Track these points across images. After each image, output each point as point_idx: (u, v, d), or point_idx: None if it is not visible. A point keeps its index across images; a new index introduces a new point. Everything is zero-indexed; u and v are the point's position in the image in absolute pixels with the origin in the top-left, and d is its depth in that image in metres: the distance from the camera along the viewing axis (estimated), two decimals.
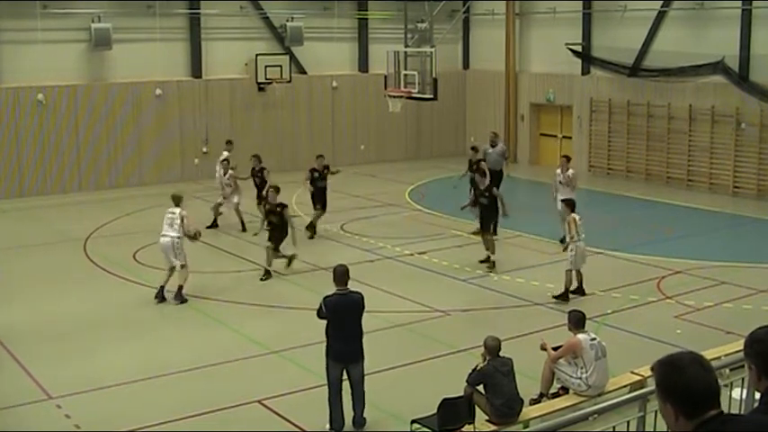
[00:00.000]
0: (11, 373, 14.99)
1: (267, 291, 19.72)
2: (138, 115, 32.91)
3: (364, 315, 12.75)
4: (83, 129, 31.87)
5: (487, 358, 12.05)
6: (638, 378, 13.05)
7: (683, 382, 4.41)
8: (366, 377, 12.83)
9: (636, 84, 33.22)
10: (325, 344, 12.66)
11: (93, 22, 31.38)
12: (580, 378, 12.62)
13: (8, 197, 29.71)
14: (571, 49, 34.70)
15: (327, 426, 12.64)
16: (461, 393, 12.03)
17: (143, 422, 12.85)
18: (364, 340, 12.72)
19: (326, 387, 12.64)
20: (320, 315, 12.61)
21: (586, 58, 35.05)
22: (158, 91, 33.16)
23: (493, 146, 27.10)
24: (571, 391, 12.87)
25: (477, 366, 12.14)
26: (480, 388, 12.01)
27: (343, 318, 12.58)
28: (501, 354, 12.08)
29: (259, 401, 13.55)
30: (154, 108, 33.20)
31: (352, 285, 12.90)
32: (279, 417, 13.09)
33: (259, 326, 17.33)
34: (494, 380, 11.84)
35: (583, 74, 35.42)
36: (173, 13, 33.29)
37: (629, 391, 12.18)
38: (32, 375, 14.79)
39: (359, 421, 12.76)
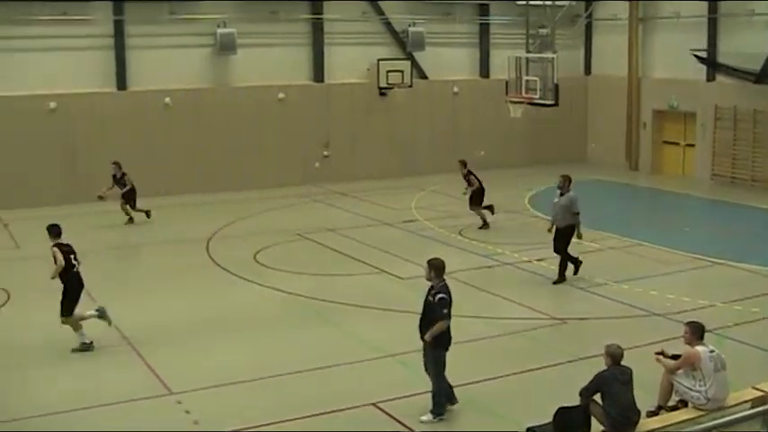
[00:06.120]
0: (136, 369, 15.43)
1: (383, 294, 19.86)
2: (261, 119, 33.48)
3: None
4: (207, 132, 32.59)
5: (608, 365, 11.95)
6: (761, 393, 12.74)
7: None
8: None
9: (763, 91, 32.39)
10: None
11: (218, 27, 32.08)
12: (699, 391, 12.38)
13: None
14: (696, 56, 34.07)
15: (446, 406, 13.21)
16: (578, 402, 11.95)
17: (259, 420, 13.07)
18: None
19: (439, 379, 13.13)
20: (449, 313, 12.87)
21: (711, 64, 34.35)
22: (281, 95, 33.69)
23: (561, 194, 20.68)
24: (690, 405, 12.65)
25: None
26: (597, 397, 11.91)
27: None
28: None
29: (374, 404, 13.67)
30: (276, 112, 33.73)
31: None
32: (394, 420, 13.17)
33: (374, 328, 17.45)
34: (612, 388, 11.72)
35: (707, 80, 34.68)
36: (296, 18, 33.77)
37: (751, 407, 11.96)
38: (155, 371, 15.21)
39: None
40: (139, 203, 27.10)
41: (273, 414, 13.31)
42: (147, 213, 27.34)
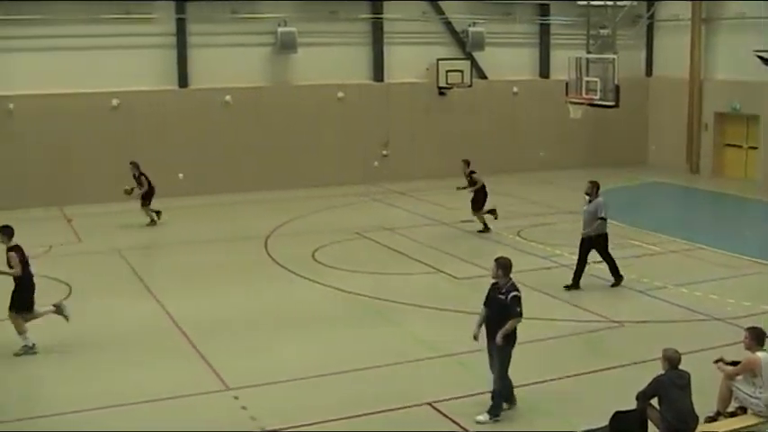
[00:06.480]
0: (192, 364, 15.59)
1: (440, 293, 19.89)
2: (321, 117, 33.64)
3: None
4: (267, 130, 32.83)
5: (665, 369, 11.86)
6: None
7: None
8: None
9: None
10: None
11: (279, 26, 32.31)
12: (759, 398, 12.23)
13: (195, 194, 30.77)
14: (760, 57, 33.59)
15: (505, 406, 13.24)
16: (634, 406, 11.87)
17: (315, 417, 13.14)
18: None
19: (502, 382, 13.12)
20: (521, 311, 12.89)
21: None
22: (340, 94, 33.83)
23: (590, 200, 20.33)
24: (749, 412, 12.51)
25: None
26: (654, 402, 11.83)
27: None
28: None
29: (429, 404, 13.69)
30: (336, 111, 33.88)
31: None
32: (449, 420, 13.18)
33: (432, 328, 17.46)
34: (669, 392, 11.63)
35: None
36: (356, 17, 33.89)
37: None
38: (212, 366, 15.34)
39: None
40: (199, 200, 27.25)
41: (330, 411, 13.37)
42: (158, 214, 27.12)
